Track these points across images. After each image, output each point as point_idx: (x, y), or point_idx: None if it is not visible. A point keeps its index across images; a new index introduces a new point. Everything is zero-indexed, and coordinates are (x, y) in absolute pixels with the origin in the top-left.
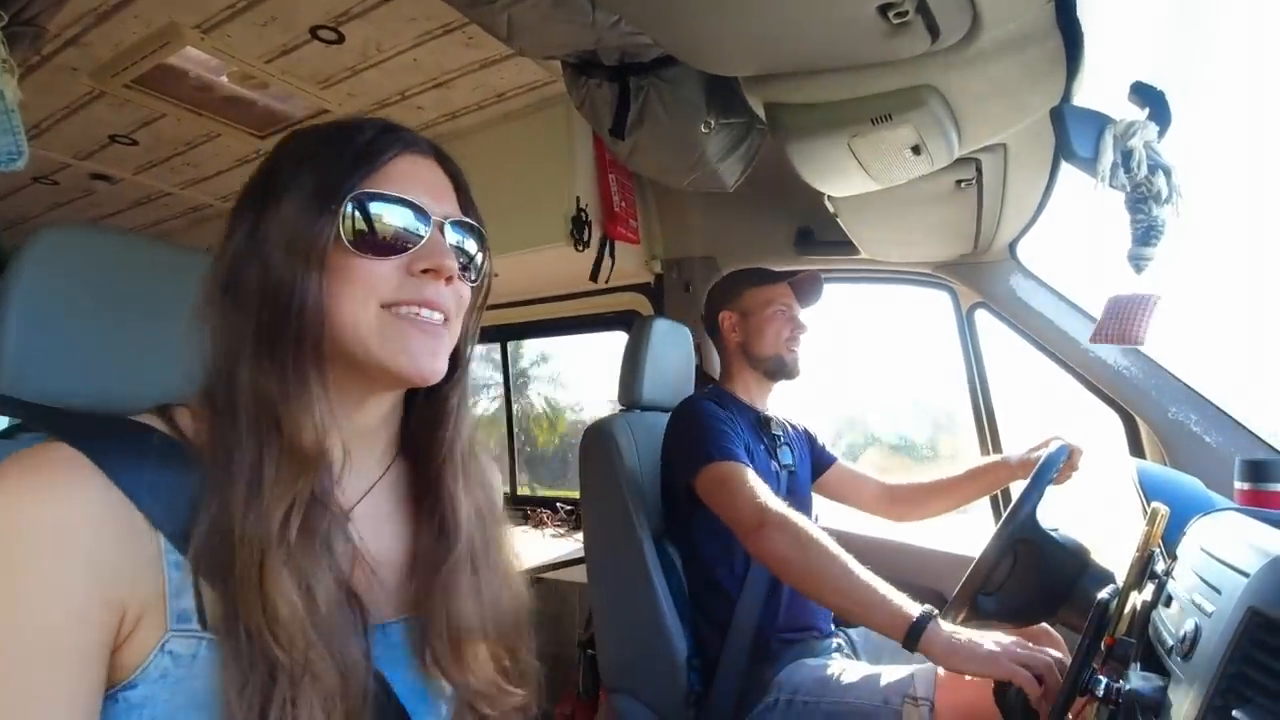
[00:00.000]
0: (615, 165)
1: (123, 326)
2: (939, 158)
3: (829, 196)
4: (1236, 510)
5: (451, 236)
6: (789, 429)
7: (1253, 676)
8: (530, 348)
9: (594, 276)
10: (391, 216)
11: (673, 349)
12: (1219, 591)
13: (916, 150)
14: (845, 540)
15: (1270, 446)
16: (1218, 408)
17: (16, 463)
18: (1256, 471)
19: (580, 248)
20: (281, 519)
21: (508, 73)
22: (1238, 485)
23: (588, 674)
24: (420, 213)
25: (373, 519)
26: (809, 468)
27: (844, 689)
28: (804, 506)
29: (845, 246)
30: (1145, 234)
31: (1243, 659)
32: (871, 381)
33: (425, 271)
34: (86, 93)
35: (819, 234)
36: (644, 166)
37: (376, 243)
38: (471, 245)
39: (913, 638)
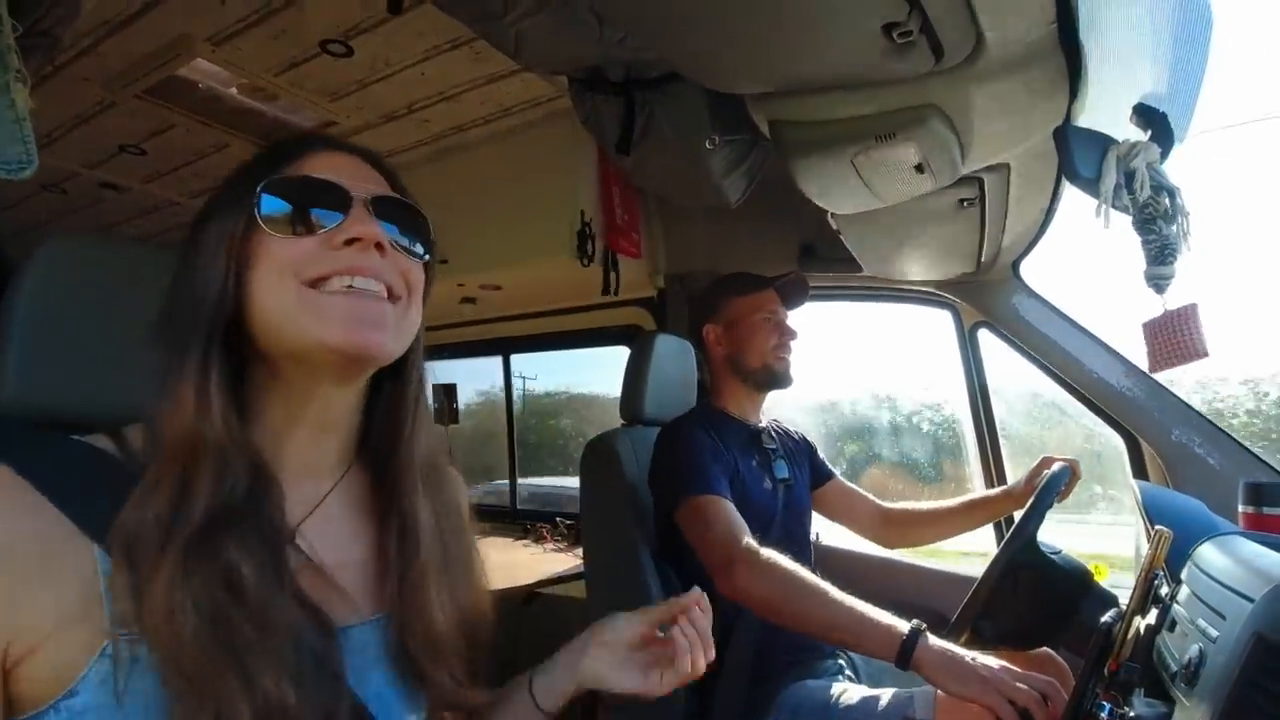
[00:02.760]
0: (619, 179)
1: (129, 335)
2: (942, 176)
3: (832, 214)
4: (1240, 534)
5: (381, 212)
6: (789, 440)
7: (1258, 703)
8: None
9: (606, 290)
10: (306, 194)
11: (675, 364)
12: (1223, 616)
13: (920, 169)
14: (844, 558)
15: (1273, 469)
16: (1221, 430)
17: None
18: (1260, 495)
19: (585, 262)
20: (194, 530)
21: (514, 87)
22: (1241, 508)
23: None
24: (338, 190)
25: (329, 525)
26: (808, 480)
27: (844, 711)
28: (802, 520)
29: (848, 264)
30: (1160, 253)
31: (1248, 685)
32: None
33: (350, 243)
34: (97, 102)
35: (822, 251)
36: (648, 181)
37: (292, 220)
38: (408, 222)
39: (904, 656)
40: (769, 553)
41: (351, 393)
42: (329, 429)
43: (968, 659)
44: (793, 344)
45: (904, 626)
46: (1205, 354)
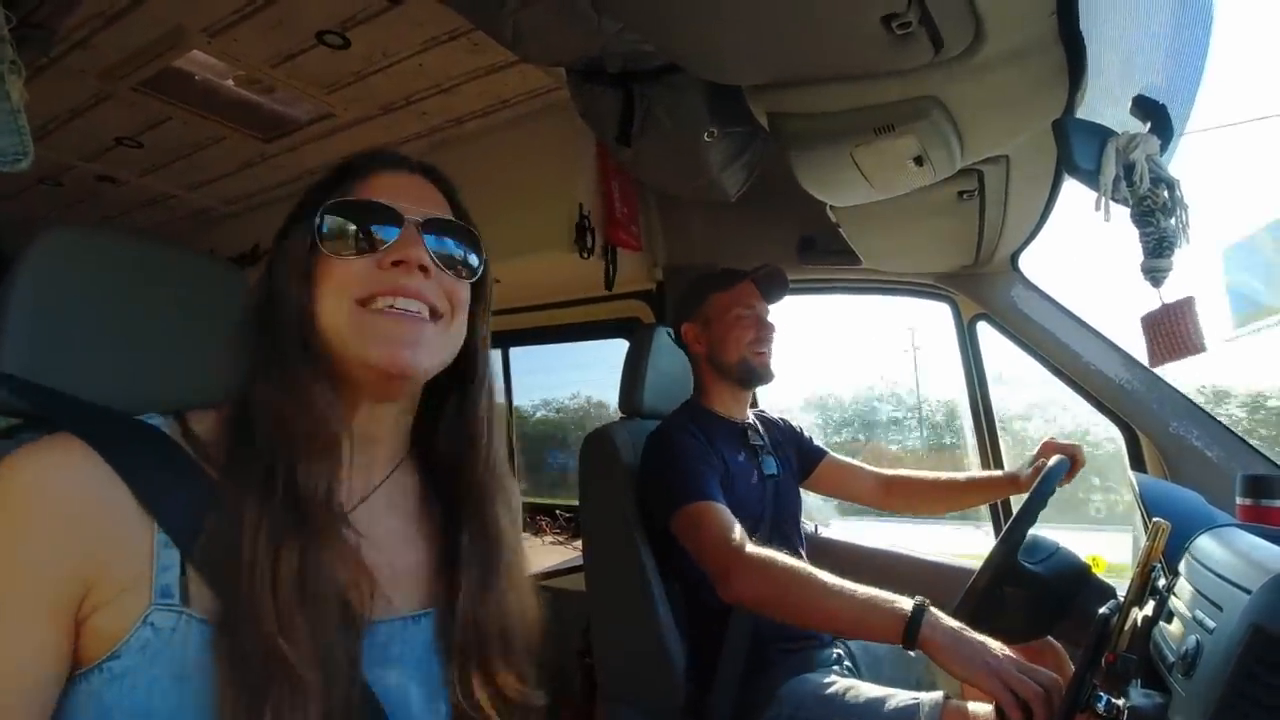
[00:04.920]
0: (618, 172)
1: (125, 327)
2: (941, 169)
3: (831, 206)
4: (1238, 526)
5: (431, 234)
6: (775, 430)
7: (1255, 694)
8: None
9: (609, 286)
10: (360, 217)
11: (674, 357)
12: (1221, 608)
13: (919, 161)
14: (841, 550)
15: (1271, 462)
16: (1219, 422)
17: (30, 445)
18: (1258, 487)
19: (585, 254)
20: (294, 525)
21: (512, 79)
22: (1239, 501)
23: (585, 682)
24: (390, 212)
25: (375, 519)
26: (795, 470)
27: (848, 710)
28: (792, 514)
29: (847, 256)
30: (1157, 247)
31: (1245, 676)
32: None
33: (396, 265)
34: (93, 95)
35: (821, 243)
36: (647, 174)
37: (347, 242)
38: (458, 244)
39: (910, 637)
40: (764, 553)
41: (396, 407)
42: (375, 438)
43: (975, 642)
44: (772, 338)
45: (906, 605)
46: (1203, 348)
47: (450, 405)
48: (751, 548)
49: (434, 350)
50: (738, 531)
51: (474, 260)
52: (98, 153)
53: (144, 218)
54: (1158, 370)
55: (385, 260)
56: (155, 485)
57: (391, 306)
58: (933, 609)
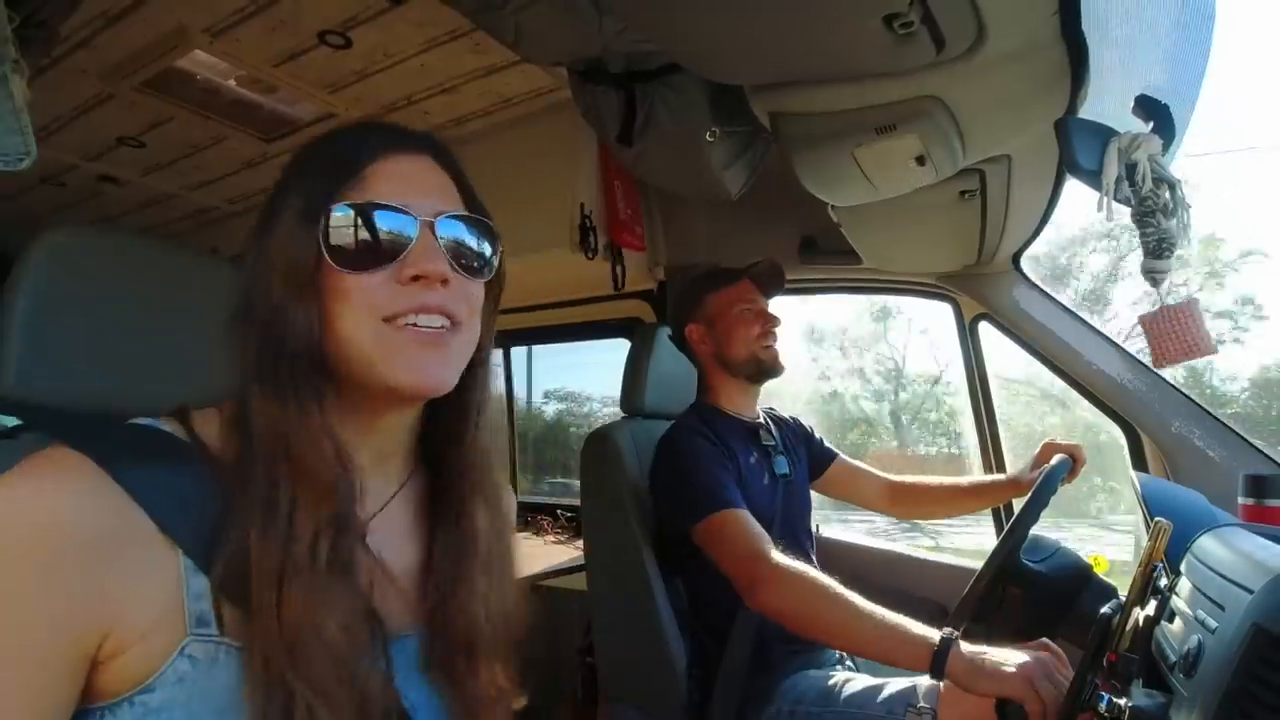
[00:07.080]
0: (620, 172)
1: (128, 327)
2: (943, 168)
3: (832, 206)
4: (1240, 525)
5: (445, 234)
6: (786, 429)
7: (1257, 694)
8: None
9: (616, 285)
10: (372, 225)
11: (676, 356)
12: (1223, 608)
13: (920, 161)
14: (845, 551)
15: (1274, 462)
16: (1221, 422)
17: (23, 466)
18: (1260, 487)
19: (590, 255)
20: (303, 548)
21: (514, 79)
22: (1241, 500)
23: (586, 682)
24: (403, 215)
25: (390, 532)
26: (807, 470)
27: (847, 699)
28: (802, 515)
29: (848, 256)
30: (1157, 247)
31: (1247, 676)
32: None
33: (416, 279)
34: (95, 95)
35: (822, 243)
36: (649, 174)
37: (361, 256)
38: (473, 240)
39: (937, 668)
40: (793, 566)
41: (409, 418)
42: (392, 447)
43: (997, 661)
44: (777, 331)
45: (934, 637)
46: (1214, 349)
47: (442, 403)
48: (779, 558)
49: (458, 361)
50: (764, 540)
51: (490, 253)
52: (100, 152)
53: (146, 217)
54: (1162, 370)
55: (404, 275)
56: (170, 504)
57: (414, 324)
58: (960, 642)
